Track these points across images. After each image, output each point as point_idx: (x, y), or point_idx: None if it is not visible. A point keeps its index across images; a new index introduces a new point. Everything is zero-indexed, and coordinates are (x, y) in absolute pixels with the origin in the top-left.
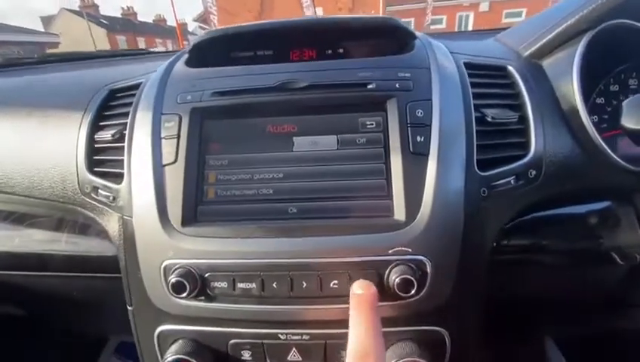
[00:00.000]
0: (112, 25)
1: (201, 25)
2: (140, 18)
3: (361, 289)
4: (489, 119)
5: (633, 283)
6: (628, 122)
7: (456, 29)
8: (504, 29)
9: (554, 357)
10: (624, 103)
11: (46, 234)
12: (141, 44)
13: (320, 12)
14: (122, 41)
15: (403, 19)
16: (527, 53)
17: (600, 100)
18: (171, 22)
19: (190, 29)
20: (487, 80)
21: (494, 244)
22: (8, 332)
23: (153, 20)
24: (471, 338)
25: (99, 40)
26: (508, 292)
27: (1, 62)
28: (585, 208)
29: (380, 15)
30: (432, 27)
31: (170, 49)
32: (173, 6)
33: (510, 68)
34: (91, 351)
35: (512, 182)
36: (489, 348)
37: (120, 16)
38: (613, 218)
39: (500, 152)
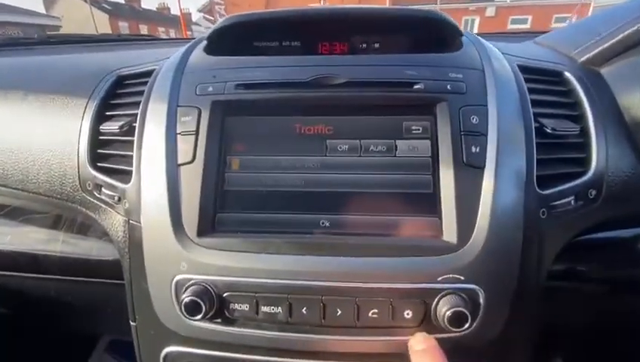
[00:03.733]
0: (115, 10)
1: (206, 15)
2: (144, 5)
3: (421, 345)
4: (548, 130)
5: None
6: None
7: None
8: (518, 33)
9: None
10: None
11: (41, 232)
12: (143, 31)
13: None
14: (124, 28)
15: None
16: (583, 58)
17: None
18: (175, 10)
19: (194, 19)
20: (544, 86)
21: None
22: None
23: (157, 8)
24: None
25: (101, 25)
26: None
27: None
28: (631, 232)
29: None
30: None
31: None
32: None
33: (567, 74)
34: (82, 348)
35: (572, 202)
36: None
37: (123, 2)
38: None
39: (559, 168)
